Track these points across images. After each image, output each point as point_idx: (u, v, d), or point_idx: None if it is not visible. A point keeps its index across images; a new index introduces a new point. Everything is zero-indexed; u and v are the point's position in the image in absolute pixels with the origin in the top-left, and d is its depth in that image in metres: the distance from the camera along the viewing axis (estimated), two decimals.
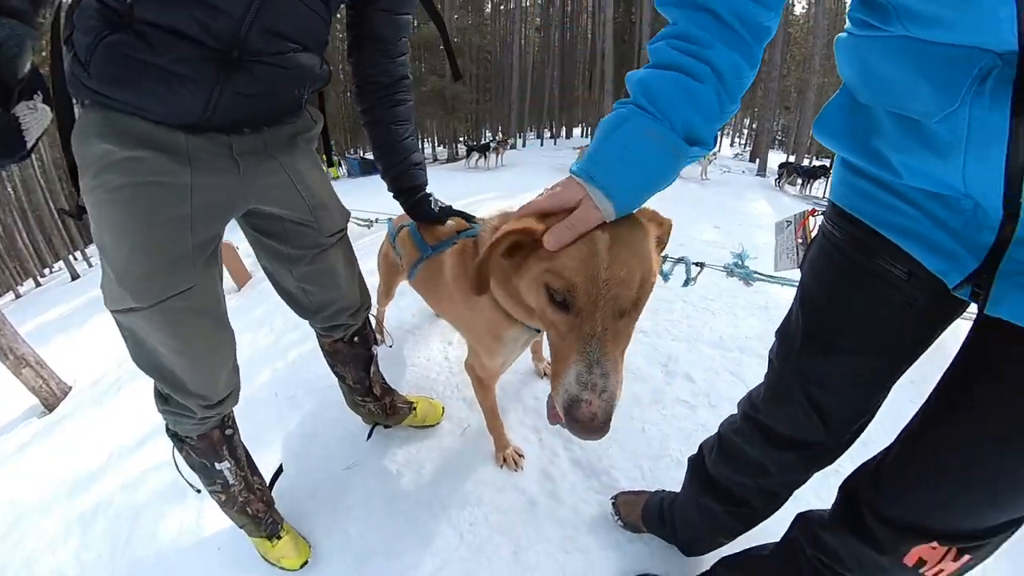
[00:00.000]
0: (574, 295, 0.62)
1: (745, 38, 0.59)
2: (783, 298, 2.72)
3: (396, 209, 1.49)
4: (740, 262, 2.08)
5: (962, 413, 0.59)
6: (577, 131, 28.14)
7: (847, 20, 0.62)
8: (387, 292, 2.00)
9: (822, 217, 0.76)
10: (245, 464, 1.27)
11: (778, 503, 0.98)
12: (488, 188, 8.26)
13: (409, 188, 1.33)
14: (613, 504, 1.39)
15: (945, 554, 0.61)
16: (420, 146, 1.39)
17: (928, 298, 0.62)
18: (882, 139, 0.58)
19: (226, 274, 4.04)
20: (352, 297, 1.33)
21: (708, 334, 2.34)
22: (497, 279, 0.92)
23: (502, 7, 23.64)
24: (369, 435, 1.73)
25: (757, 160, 15.95)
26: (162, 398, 1.08)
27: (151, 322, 0.93)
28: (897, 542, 0.64)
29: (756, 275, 2.10)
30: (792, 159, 16.86)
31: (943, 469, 0.60)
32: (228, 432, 1.20)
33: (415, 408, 1.74)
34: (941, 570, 0.62)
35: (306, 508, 1.53)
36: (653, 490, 1.37)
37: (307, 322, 1.36)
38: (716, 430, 1.05)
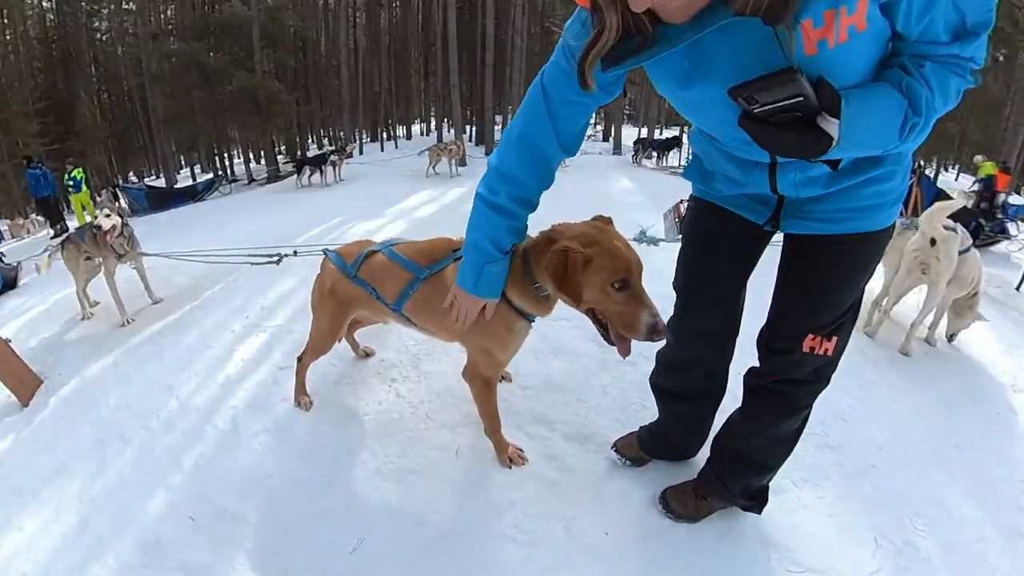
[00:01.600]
0: (630, 279, 1.33)
1: (551, 174, 1.37)
2: (664, 263, 2.87)
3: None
4: (644, 233, 3.80)
5: (787, 274, 1.35)
6: (417, 129, 28.30)
7: None
8: (333, 335, 2.02)
9: (689, 202, 1.54)
10: None
11: (721, 382, 1.67)
12: (335, 212, 7.40)
13: None
14: (615, 451, 1.89)
15: (823, 340, 1.31)
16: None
17: (753, 230, 1.37)
18: (717, 182, 1.37)
19: (3, 391, 2.82)
20: None
21: None
22: (516, 284, 1.50)
23: None
24: None
25: (611, 139, 18.02)
26: None
27: None
28: (795, 343, 1.33)
29: (659, 239, 3.82)
30: (644, 132, 19.23)
31: (796, 301, 1.34)
32: None
33: None
34: (826, 348, 1.32)
35: None
36: (636, 428, 1.92)
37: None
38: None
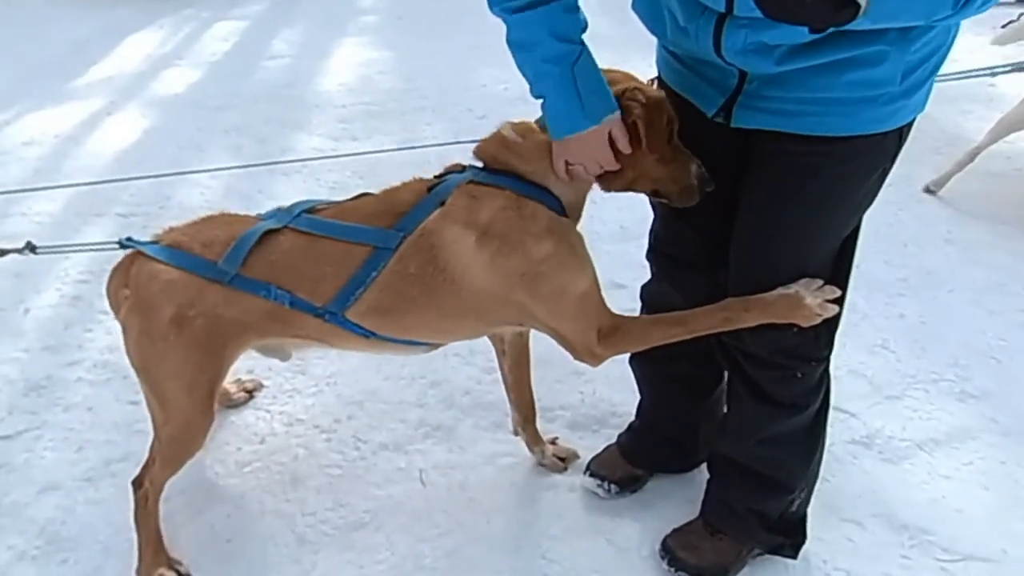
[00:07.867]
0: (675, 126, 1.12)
1: None
2: None
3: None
4: None
5: (743, 201, 1.09)
6: None
7: None
8: (203, 408, 1.20)
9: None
10: None
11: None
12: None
13: None
14: (591, 475, 1.42)
15: None
16: None
17: (712, 129, 1.07)
18: (668, 28, 1.05)
19: None
20: None
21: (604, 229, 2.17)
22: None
23: None
24: None
25: None
26: None
27: None
28: None
29: None
30: None
31: (746, 239, 1.09)
32: None
33: None
34: None
35: None
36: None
37: None
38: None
